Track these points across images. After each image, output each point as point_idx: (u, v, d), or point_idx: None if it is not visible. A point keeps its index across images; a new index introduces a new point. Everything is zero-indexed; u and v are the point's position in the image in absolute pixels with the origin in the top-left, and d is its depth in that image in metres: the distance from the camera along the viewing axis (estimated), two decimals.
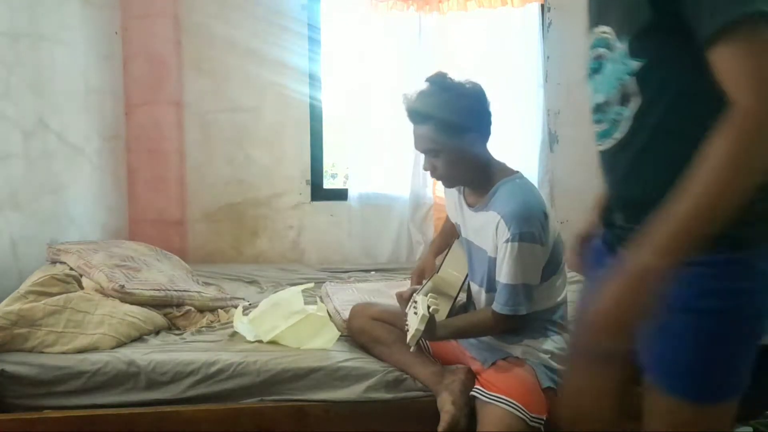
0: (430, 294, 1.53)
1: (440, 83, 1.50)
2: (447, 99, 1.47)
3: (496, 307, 1.48)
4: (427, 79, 1.52)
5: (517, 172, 1.58)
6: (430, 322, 1.43)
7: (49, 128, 2.28)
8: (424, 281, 1.71)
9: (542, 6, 3.09)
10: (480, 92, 1.52)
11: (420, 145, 1.54)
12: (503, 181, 1.53)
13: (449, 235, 1.80)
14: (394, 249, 3.14)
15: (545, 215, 1.48)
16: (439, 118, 1.47)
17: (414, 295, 1.54)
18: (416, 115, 1.51)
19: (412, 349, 1.45)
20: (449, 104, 1.47)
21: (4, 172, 2.03)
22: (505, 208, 1.46)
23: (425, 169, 1.58)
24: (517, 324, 1.51)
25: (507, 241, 1.44)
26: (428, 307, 1.41)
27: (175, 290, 2.00)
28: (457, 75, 1.53)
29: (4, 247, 2.04)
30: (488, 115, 1.53)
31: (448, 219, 1.82)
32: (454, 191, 1.69)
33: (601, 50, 0.95)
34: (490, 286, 1.54)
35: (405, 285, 1.93)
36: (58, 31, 2.36)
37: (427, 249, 1.86)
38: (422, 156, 1.60)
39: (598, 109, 0.98)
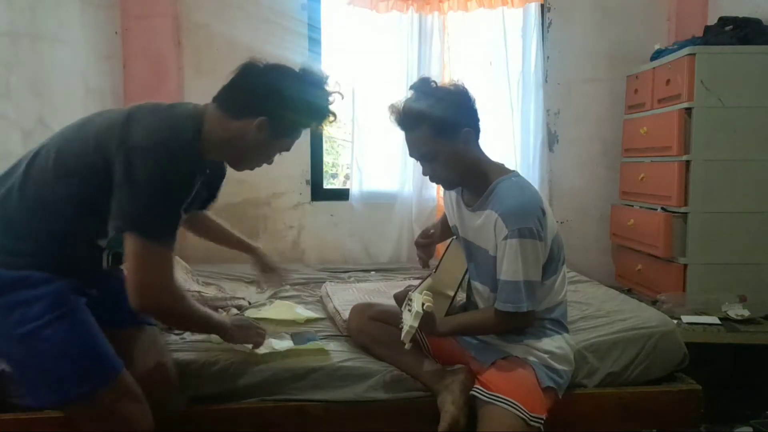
0: (424, 291, 1.53)
1: (425, 88, 1.52)
2: (434, 101, 1.49)
3: (498, 304, 1.49)
4: (412, 87, 1.54)
5: (514, 171, 1.58)
6: (430, 317, 1.43)
7: (49, 128, 2.27)
8: (420, 281, 1.71)
9: (542, 6, 3.09)
10: (464, 91, 1.53)
11: (415, 151, 1.54)
12: (500, 180, 1.53)
13: (448, 226, 1.80)
14: (394, 249, 3.15)
15: (542, 211, 1.48)
16: (430, 120, 1.48)
17: (409, 293, 1.54)
18: (407, 122, 1.51)
19: (406, 346, 1.45)
20: (438, 105, 1.48)
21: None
22: (503, 205, 1.47)
23: (424, 174, 1.58)
24: (521, 322, 1.51)
25: (505, 238, 1.44)
26: (422, 304, 1.41)
27: None
28: (440, 80, 1.56)
29: None
30: (475, 112, 1.55)
31: (445, 217, 1.82)
32: (452, 193, 1.69)
33: None
34: (496, 285, 1.54)
35: (405, 285, 1.93)
36: (57, 31, 2.36)
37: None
38: None
39: None
